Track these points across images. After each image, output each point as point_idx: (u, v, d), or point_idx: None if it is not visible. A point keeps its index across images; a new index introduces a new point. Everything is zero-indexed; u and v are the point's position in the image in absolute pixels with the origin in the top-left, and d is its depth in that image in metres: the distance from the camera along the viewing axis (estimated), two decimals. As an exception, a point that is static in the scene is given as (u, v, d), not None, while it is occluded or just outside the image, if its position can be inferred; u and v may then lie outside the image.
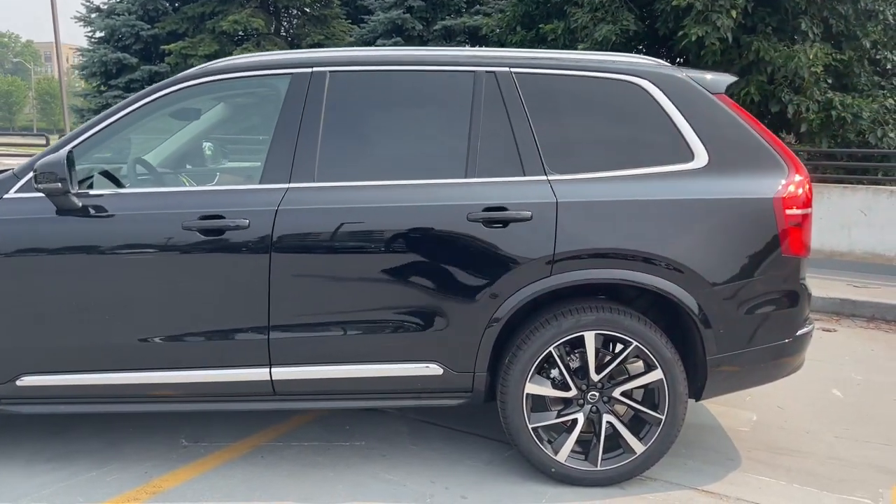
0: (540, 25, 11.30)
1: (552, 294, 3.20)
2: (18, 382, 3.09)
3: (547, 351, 3.12)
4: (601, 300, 3.22)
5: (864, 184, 8.34)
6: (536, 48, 10.95)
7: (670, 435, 3.18)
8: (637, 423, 3.29)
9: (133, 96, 3.28)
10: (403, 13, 15.04)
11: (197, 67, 3.38)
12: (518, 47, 11.58)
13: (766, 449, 3.64)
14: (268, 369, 3.11)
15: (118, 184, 3.39)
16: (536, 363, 3.13)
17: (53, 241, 3.05)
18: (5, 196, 3.08)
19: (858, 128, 8.90)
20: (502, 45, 12.74)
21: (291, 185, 3.11)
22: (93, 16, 16.53)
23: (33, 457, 3.40)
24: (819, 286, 6.92)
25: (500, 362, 3.20)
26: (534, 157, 3.16)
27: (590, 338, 3.12)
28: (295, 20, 17.52)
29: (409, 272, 3.08)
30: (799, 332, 3.29)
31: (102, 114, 3.24)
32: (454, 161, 3.20)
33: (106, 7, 16.31)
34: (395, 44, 14.88)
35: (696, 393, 3.29)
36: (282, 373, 3.12)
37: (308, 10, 17.05)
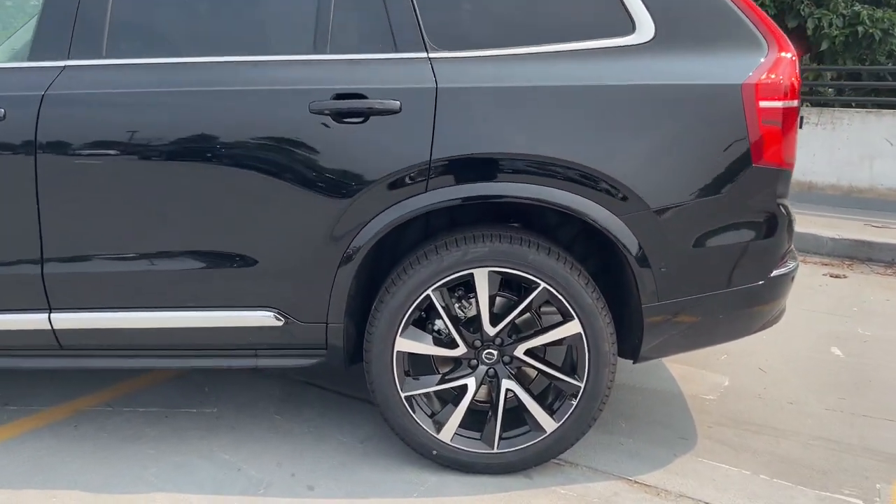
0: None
1: (434, 218, 2.38)
2: None
3: (424, 295, 2.28)
4: (498, 227, 2.36)
5: (893, 107, 7.24)
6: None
7: (591, 407, 2.35)
8: (550, 393, 2.47)
9: None
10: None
11: None
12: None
13: (732, 425, 2.81)
14: (46, 315, 2.32)
15: None
16: (410, 311, 2.30)
17: None
18: None
19: (889, 47, 7.76)
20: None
21: (70, 62, 2.26)
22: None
23: None
24: (830, 225, 5.98)
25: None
26: (411, 28, 2.27)
27: (481, 277, 2.28)
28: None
29: (229, 183, 2.24)
30: (775, 273, 2.41)
31: None
32: (298, 31, 2.32)
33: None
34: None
35: (634, 352, 2.45)
36: (65, 320, 2.32)
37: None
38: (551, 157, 2.19)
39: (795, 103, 2.33)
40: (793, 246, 2.52)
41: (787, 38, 2.39)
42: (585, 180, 2.20)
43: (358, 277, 2.34)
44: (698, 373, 3.27)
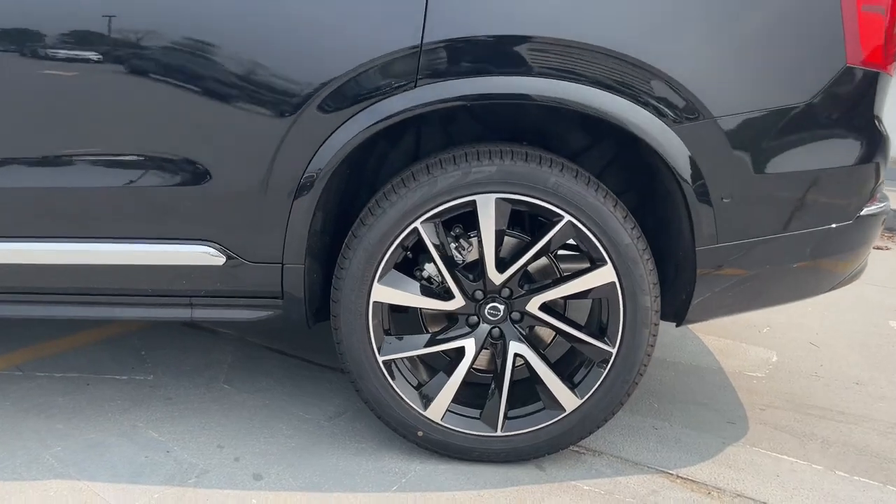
0: None
1: (426, 136, 1.84)
2: None
3: (410, 228, 1.73)
4: (511, 143, 1.80)
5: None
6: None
7: (625, 380, 1.81)
8: (570, 361, 1.93)
9: None
10: None
11: None
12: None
13: (790, 407, 2.27)
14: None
15: None
16: (391, 250, 1.75)
17: None
18: None
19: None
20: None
21: None
22: None
23: None
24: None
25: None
26: None
27: (487, 206, 1.72)
28: None
29: (149, 68, 1.67)
30: (865, 211, 1.87)
31: None
32: None
33: None
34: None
35: (678, 312, 1.91)
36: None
37: None
38: (588, 43, 1.63)
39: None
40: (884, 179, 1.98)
41: None
42: (633, 78, 1.64)
43: (324, 208, 1.79)
44: (738, 346, 2.73)
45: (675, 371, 2.49)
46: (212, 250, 1.77)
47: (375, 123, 1.67)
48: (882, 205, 1.94)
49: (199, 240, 1.77)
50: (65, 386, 2.22)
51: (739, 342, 2.76)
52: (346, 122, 1.67)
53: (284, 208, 1.73)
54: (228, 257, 1.77)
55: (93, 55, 1.66)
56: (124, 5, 1.65)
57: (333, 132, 1.68)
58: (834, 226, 1.83)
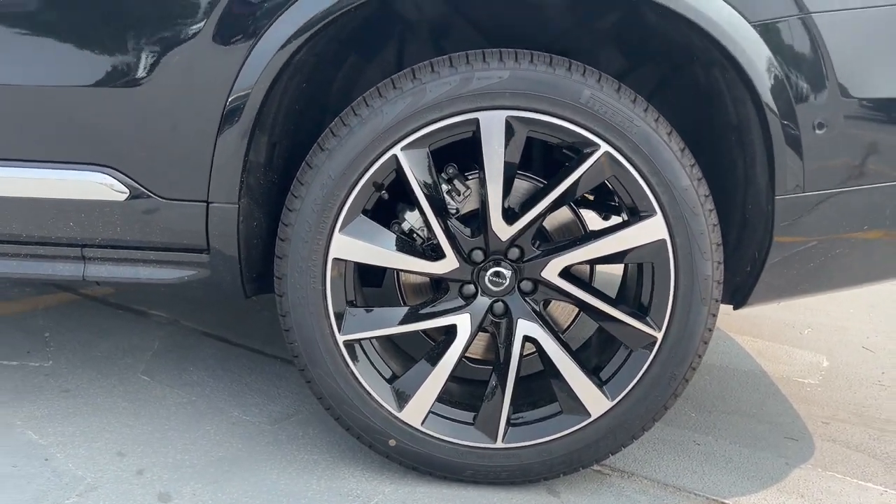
0: None
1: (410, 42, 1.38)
2: None
3: (386, 157, 1.25)
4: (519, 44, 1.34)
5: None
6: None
7: (673, 377, 1.33)
8: (597, 350, 1.46)
9: None
10: None
11: None
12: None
13: (859, 421, 1.81)
14: None
15: None
16: (359, 188, 1.26)
17: None
18: None
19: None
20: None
21: None
22: None
23: None
24: None
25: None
26: None
27: (493, 127, 1.24)
28: None
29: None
30: None
31: None
32: None
33: None
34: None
35: (740, 290, 1.44)
36: None
37: None
38: None
39: None
40: None
41: None
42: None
43: (269, 134, 1.31)
44: (781, 349, 2.27)
45: (710, 375, 2.01)
46: (110, 180, 1.27)
47: (315, 21, 1.19)
48: None
49: (93, 164, 1.27)
50: (-68, 371, 1.70)
51: (781, 344, 2.30)
52: (266, 30, 1.20)
53: (211, 128, 1.24)
54: (132, 191, 1.28)
55: None
56: None
57: (255, 44, 1.20)
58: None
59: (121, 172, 1.27)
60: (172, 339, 1.98)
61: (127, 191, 1.27)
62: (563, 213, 1.43)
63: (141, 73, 1.24)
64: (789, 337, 2.38)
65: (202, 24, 1.21)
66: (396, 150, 1.25)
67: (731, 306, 1.47)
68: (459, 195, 1.35)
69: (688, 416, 1.75)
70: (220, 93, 1.23)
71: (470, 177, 1.36)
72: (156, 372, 1.78)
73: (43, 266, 1.35)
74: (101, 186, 1.27)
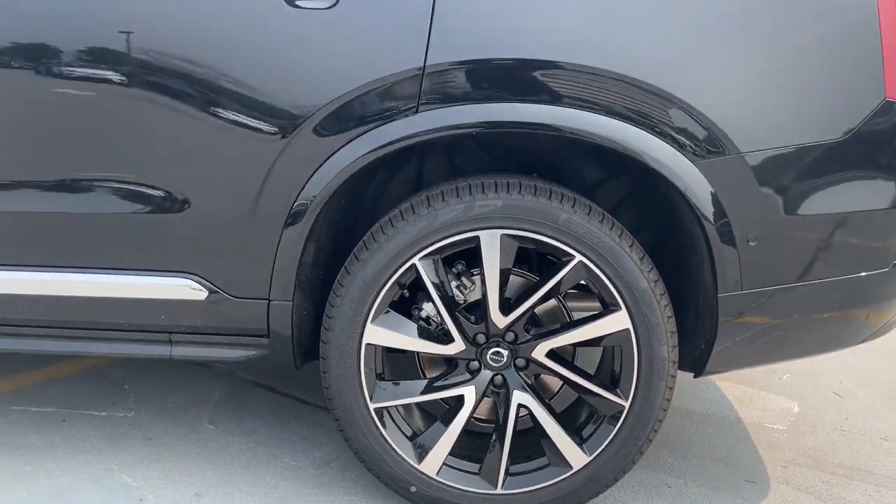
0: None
1: (429, 167, 1.73)
2: None
3: (408, 265, 1.60)
4: (520, 176, 1.68)
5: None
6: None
7: (638, 436, 1.66)
8: (578, 414, 1.79)
9: None
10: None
11: None
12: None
13: (814, 465, 2.11)
14: None
15: None
16: (387, 287, 1.61)
17: None
18: None
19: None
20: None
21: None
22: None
23: None
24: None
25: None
26: None
27: (491, 243, 1.59)
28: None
29: (138, 92, 1.56)
30: (904, 258, 1.73)
31: None
32: None
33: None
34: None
35: (697, 363, 1.76)
36: None
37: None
38: (605, 70, 1.51)
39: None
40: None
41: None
42: (653, 108, 1.51)
43: (316, 239, 1.67)
44: (758, 394, 2.57)
45: (690, 420, 2.33)
46: (193, 283, 1.64)
47: (373, 150, 1.55)
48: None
49: (180, 272, 1.64)
50: (39, 422, 2.08)
51: (759, 390, 2.60)
52: (342, 147, 1.55)
53: (273, 238, 1.61)
54: (211, 291, 1.64)
55: (72, 74, 1.55)
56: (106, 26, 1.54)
57: (328, 158, 1.56)
58: (865, 274, 1.68)
59: (202, 278, 1.64)
60: (230, 390, 2.35)
61: (206, 292, 1.64)
62: (551, 303, 1.77)
63: (219, 198, 1.61)
64: (769, 382, 2.67)
65: (275, 156, 1.56)
66: (415, 259, 1.60)
67: (692, 374, 1.80)
68: (466, 289, 1.70)
69: (664, 460, 2.07)
70: (282, 212, 1.59)
71: (474, 273, 1.70)
72: (219, 421, 2.15)
73: (138, 347, 1.73)
74: (187, 289, 1.64)
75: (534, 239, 1.58)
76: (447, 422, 1.69)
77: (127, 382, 2.35)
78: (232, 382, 2.40)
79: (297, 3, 1.51)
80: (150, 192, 1.60)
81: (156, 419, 2.13)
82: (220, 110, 1.54)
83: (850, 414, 2.47)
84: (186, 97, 1.54)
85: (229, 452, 1.98)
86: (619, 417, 1.65)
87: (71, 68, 1.55)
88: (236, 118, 1.54)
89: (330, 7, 1.51)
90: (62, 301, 1.67)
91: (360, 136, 1.54)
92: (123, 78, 1.54)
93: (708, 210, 1.56)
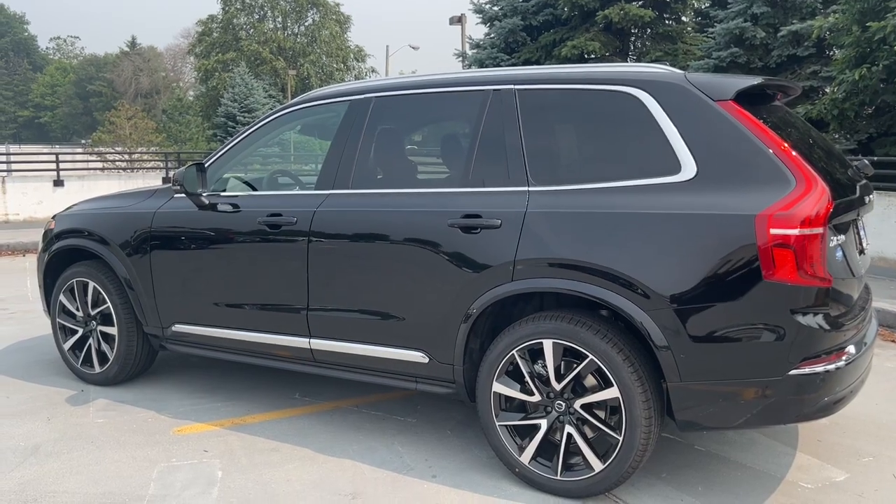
0: (869, 24, 9.77)
1: (527, 299, 3.38)
2: (173, 328, 4.38)
3: (510, 353, 3.27)
4: (563, 311, 3.23)
5: None
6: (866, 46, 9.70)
7: (628, 458, 3.05)
8: (602, 440, 3.22)
9: (252, 124, 4.34)
10: (743, 22, 14.17)
11: (299, 97, 4.30)
12: (851, 47, 10.27)
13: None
14: (308, 339, 3.86)
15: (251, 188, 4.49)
16: (502, 364, 3.30)
17: (191, 227, 4.25)
18: (175, 196, 4.38)
19: None
20: (839, 47, 11.33)
21: (332, 191, 3.81)
22: (468, 51, 19.03)
23: (189, 388, 4.72)
24: None
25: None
26: (519, 169, 3.33)
27: (548, 346, 3.18)
28: (640, 40, 17.74)
29: (399, 266, 3.54)
30: (794, 372, 2.83)
31: (233, 136, 4.37)
32: (458, 170, 3.57)
33: (480, 41, 18.60)
34: (732, 55, 14.17)
35: (669, 413, 3.08)
36: (317, 343, 3.83)
37: (652, 28, 17.10)
38: (591, 262, 3.04)
39: (818, 230, 2.78)
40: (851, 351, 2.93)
41: (818, 176, 2.86)
42: (621, 283, 2.98)
43: (477, 334, 3.43)
44: (762, 441, 3.51)
45: (703, 458, 3.45)
46: (422, 354, 3.53)
47: (496, 295, 3.28)
48: (818, 368, 2.84)
49: (416, 347, 3.55)
50: (370, 419, 4.15)
51: (764, 435, 3.53)
52: (486, 291, 3.31)
53: (454, 334, 3.41)
54: (430, 358, 3.51)
55: (378, 255, 3.60)
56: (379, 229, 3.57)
57: (480, 296, 3.32)
58: (770, 379, 2.83)
59: (425, 351, 3.52)
60: (466, 413, 4.17)
61: (427, 359, 3.51)
62: (590, 380, 3.24)
63: (432, 309, 3.48)
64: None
65: (460, 289, 3.40)
66: (513, 350, 3.26)
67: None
68: (543, 368, 3.28)
69: (668, 491, 3.30)
70: (458, 319, 3.39)
71: (544, 360, 3.27)
72: (454, 430, 3.98)
73: (400, 382, 3.67)
74: (419, 356, 3.53)
75: (567, 345, 3.13)
76: (532, 437, 3.28)
77: (420, 404, 4.34)
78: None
79: (468, 231, 3.33)
80: (402, 313, 3.55)
81: (427, 423, 4.05)
82: (438, 277, 3.42)
83: (840, 457, 3.30)
84: (427, 272, 3.46)
85: (441, 442, 3.79)
86: (618, 445, 3.06)
87: (378, 260, 3.59)
88: (444, 279, 3.40)
89: (478, 232, 3.31)
90: (374, 359, 3.68)
91: (492, 288, 3.28)
92: (392, 265, 3.54)
93: (655, 336, 2.94)
